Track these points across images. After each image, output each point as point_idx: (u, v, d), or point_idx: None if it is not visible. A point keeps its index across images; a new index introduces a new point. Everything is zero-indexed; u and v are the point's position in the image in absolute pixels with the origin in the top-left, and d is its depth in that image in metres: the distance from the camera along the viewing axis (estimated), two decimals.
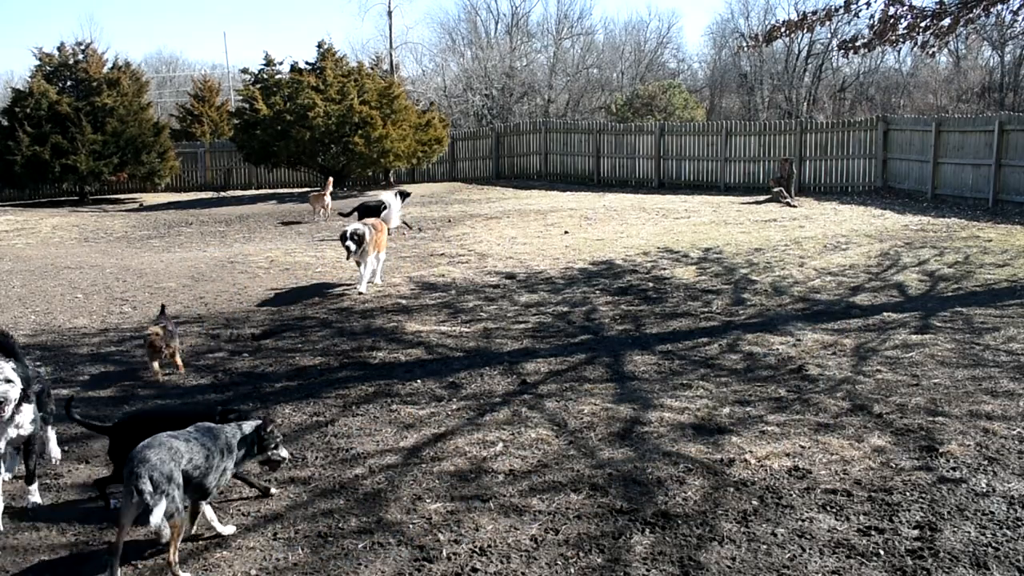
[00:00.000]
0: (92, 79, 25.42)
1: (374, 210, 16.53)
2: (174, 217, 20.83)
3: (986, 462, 4.90)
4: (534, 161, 27.97)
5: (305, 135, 24.00)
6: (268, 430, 4.36)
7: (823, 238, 13.84)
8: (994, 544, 3.99)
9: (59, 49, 26.10)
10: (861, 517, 4.29)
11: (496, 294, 10.29)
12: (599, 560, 3.97)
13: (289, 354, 7.77)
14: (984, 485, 4.61)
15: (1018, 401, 5.92)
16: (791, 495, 4.56)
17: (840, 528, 4.19)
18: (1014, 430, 5.37)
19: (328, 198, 19.67)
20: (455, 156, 29.39)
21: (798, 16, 11.99)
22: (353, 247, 10.08)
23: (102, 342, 8.40)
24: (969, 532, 4.11)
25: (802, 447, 5.21)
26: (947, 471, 4.80)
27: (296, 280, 11.49)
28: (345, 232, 10.16)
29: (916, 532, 4.12)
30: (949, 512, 4.31)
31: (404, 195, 16.66)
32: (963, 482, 4.65)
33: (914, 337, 7.76)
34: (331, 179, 20.69)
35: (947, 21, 11.10)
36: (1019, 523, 4.18)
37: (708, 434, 5.47)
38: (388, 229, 11.59)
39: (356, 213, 16.59)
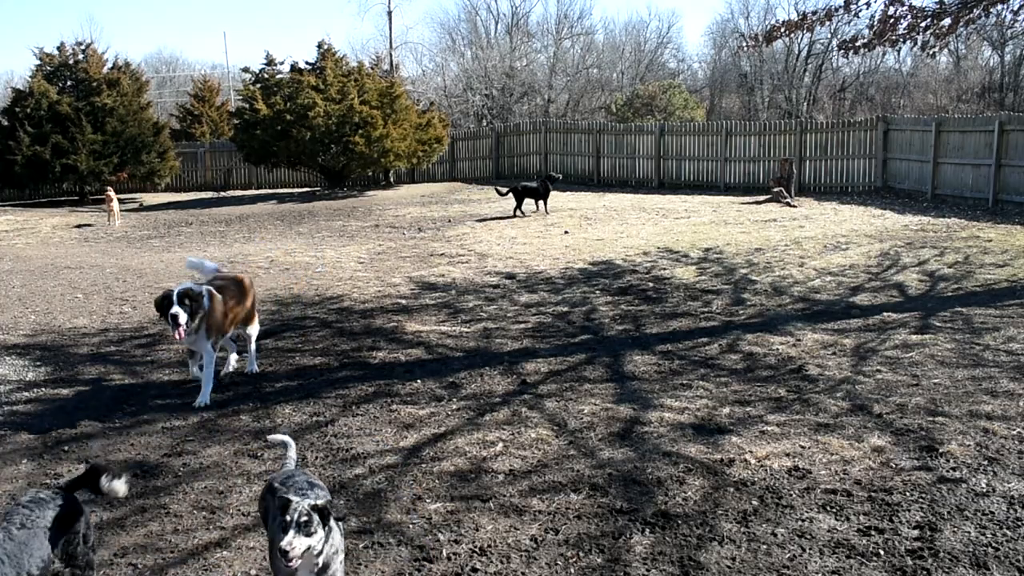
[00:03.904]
0: (92, 79, 25.43)
1: (532, 191, 18.44)
2: (174, 217, 20.83)
3: (986, 462, 4.90)
4: (534, 161, 27.96)
5: (305, 135, 24.02)
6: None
7: (823, 238, 13.84)
8: (994, 544, 3.99)
9: (59, 49, 26.13)
10: (861, 517, 4.28)
11: (496, 294, 10.28)
12: (599, 560, 3.97)
13: (289, 354, 7.77)
14: (984, 485, 4.61)
15: (1018, 401, 5.92)
16: (791, 495, 4.56)
17: (840, 528, 4.18)
18: (1014, 430, 5.37)
19: (116, 204, 20.13)
20: (455, 156, 29.40)
21: (798, 16, 11.99)
22: (183, 318, 6.11)
23: (102, 342, 8.40)
24: (969, 532, 4.11)
25: (802, 447, 5.21)
26: (947, 471, 4.80)
27: (296, 280, 11.49)
28: (170, 295, 6.19)
29: (916, 532, 4.12)
30: (949, 512, 4.31)
31: (552, 179, 19.08)
32: (963, 482, 4.65)
33: (914, 337, 7.76)
34: (111, 191, 20.93)
35: (947, 21, 11.11)
36: (1019, 523, 4.18)
37: (708, 434, 5.47)
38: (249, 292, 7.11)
39: (512, 193, 18.38)
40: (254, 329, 7.22)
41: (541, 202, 18.63)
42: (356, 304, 9.88)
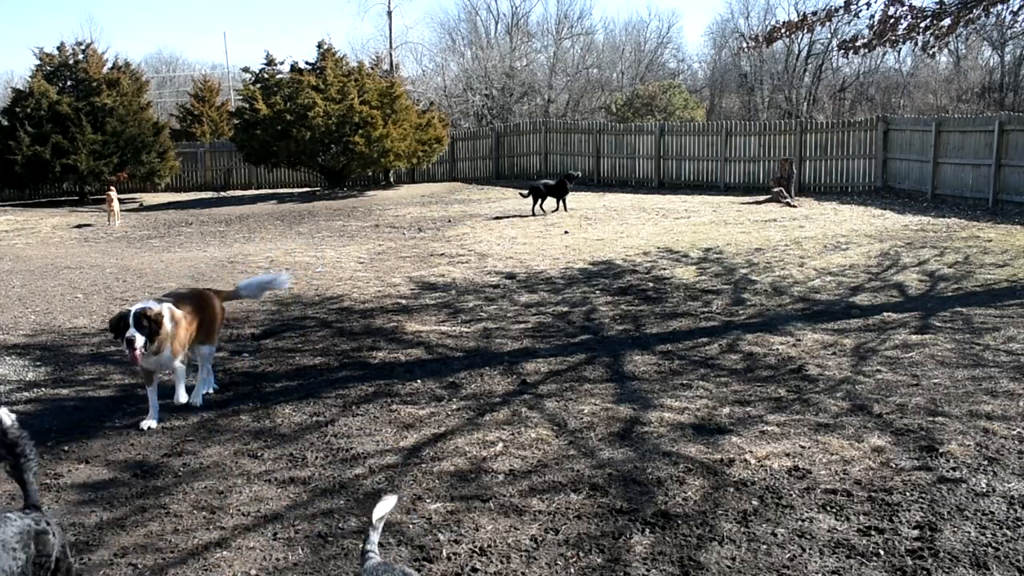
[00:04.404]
0: (92, 79, 25.45)
1: (552, 189, 18.85)
2: (174, 217, 20.84)
3: (986, 462, 4.90)
4: (534, 161, 27.97)
5: (305, 135, 24.02)
6: None
7: (823, 238, 13.84)
8: (994, 544, 3.99)
9: (59, 49, 26.15)
10: (861, 517, 4.28)
11: (496, 294, 10.28)
12: (599, 560, 3.97)
13: (289, 354, 7.77)
14: (984, 485, 4.61)
15: (1018, 401, 5.91)
16: (791, 495, 4.55)
17: (840, 528, 4.18)
18: (1014, 430, 5.37)
19: (116, 204, 19.83)
20: (455, 156, 29.40)
21: (798, 17, 11.99)
22: (140, 341, 5.65)
23: (102, 342, 8.39)
24: (969, 532, 4.11)
25: (802, 447, 5.21)
26: (947, 471, 4.80)
27: (296, 280, 11.49)
28: (126, 316, 5.70)
29: (916, 532, 4.12)
30: (949, 512, 4.31)
31: (571, 178, 19.41)
32: (963, 482, 4.65)
33: (914, 337, 7.76)
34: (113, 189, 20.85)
35: (947, 21, 11.10)
36: (1019, 523, 4.18)
37: (708, 434, 5.47)
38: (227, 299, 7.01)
39: (532, 194, 18.66)
40: (209, 349, 6.53)
41: (561, 200, 18.89)
42: (356, 304, 9.88)
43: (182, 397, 6.18)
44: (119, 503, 4.69)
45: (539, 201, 18.58)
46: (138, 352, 5.67)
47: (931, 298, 9.53)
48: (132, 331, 5.64)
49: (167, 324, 5.87)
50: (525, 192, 19.23)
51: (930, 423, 5.53)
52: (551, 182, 19.33)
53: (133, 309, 5.76)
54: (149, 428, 5.85)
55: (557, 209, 18.76)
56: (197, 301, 6.45)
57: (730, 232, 14.91)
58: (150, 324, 5.71)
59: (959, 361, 6.97)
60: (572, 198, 20.35)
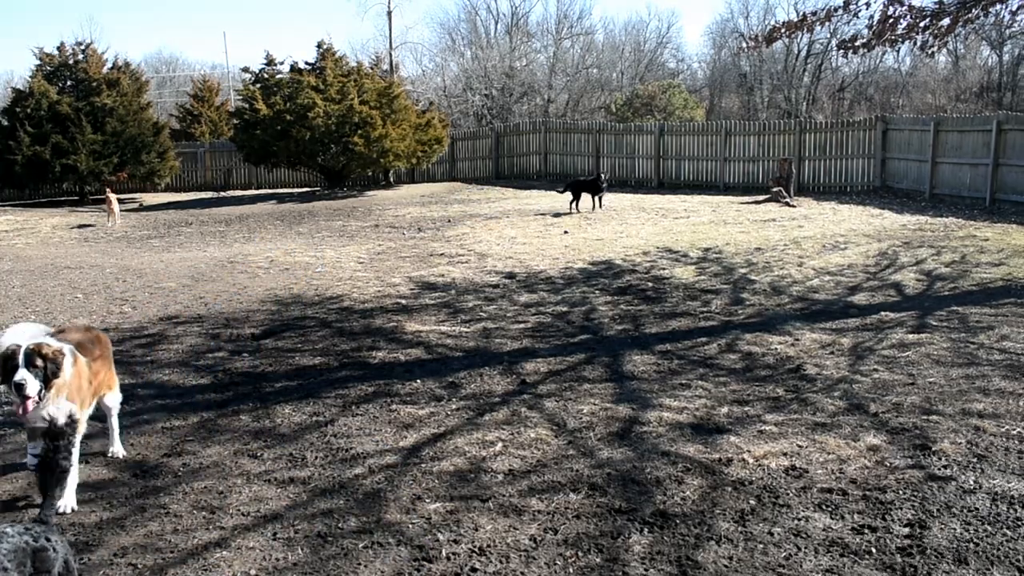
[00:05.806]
0: (92, 79, 25.47)
1: (589, 185, 19.25)
2: (174, 217, 20.87)
3: (975, 459, 4.95)
4: (534, 161, 28.00)
5: (305, 135, 24.05)
6: None
7: (822, 238, 13.88)
8: (975, 540, 4.05)
9: (59, 49, 26.17)
10: (855, 516, 4.32)
11: (496, 294, 10.32)
12: (598, 560, 4.00)
13: (289, 354, 7.80)
14: (971, 482, 4.66)
15: (1008, 399, 5.96)
16: (788, 494, 4.59)
17: (835, 527, 4.22)
18: (1003, 428, 5.42)
19: (115, 204, 19.70)
20: (455, 156, 29.43)
21: (798, 17, 12.02)
22: (34, 387, 4.34)
23: None
24: (955, 529, 4.15)
25: (799, 446, 5.24)
26: (938, 469, 4.85)
27: (296, 280, 11.53)
28: (14, 355, 4.37)
29: (907, 530, 4.17)
30: (938, 510, 4.35)
31: (600, 177, 19.67)
32: (952, 479, 4.70)
33: (911, 336, 7.80)
34: (109, 190, 20.80)
35: (946, 21, 11.13)
36: (998, 518, 4.23)
37: (706, 434, 5.51)
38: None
39: (568, 189, 19.12)
40: (115, 398, 5.37)
41: (597, 197, 19.18)
42: (356, 304, 9.92)
43: (68, 500, 4.57)
44: (119, 503, 4.72)
45: (577, 198, 18.88)
46: (31, 401, 4.35)
47: (928, 297, 9.57)
48: (23, 373, 4.31)
49: (67, 368, 4.54)
50: (562, 189, 19.75)
51: (924, 422, 5.58)
52: (587, 179, 19.91)
53: (25, 345, 4.42)
54: (72, 510, 4.60)
55: (594, 208, 19.00)
56: (96, 344, 5.16)
57: (729, 232, 14.95)
58: (47, 364, 4.40)
59: (954, 360, 7.01)
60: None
